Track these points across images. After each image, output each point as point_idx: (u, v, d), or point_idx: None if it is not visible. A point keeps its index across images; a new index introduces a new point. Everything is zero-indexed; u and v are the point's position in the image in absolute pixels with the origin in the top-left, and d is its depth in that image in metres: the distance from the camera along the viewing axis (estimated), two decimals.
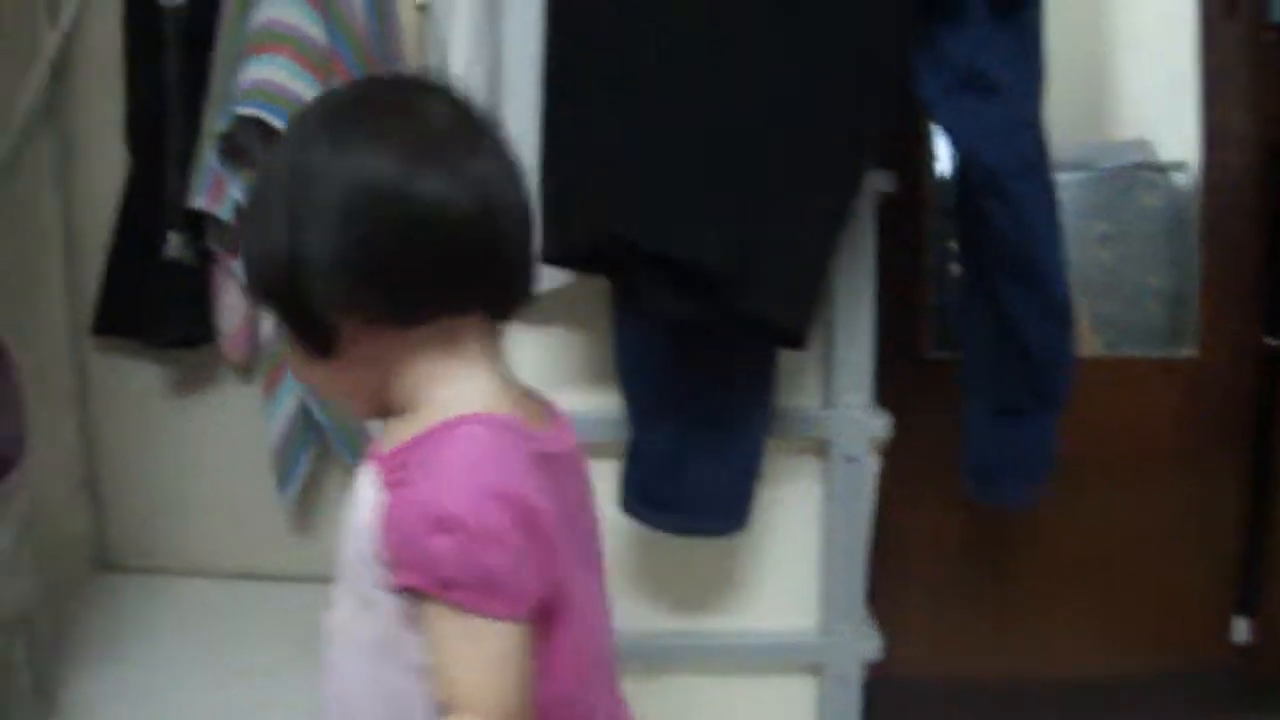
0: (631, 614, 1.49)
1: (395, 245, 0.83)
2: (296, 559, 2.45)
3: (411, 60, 2.26)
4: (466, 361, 0.90)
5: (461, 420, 0.85)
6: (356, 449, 2.17)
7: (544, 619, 0.86)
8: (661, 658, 1.54)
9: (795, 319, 1.30)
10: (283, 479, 2.33)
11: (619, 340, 1.37)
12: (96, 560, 2.67)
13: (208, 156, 2.15)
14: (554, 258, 1.27)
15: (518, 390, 0.95)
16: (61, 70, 2.44)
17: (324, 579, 0.96)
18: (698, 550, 1.53)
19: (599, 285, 1.43)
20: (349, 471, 1.94)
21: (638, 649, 1.46)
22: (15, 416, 1.83)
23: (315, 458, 2.34)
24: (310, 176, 0.83)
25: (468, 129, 0.89)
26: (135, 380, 2.55)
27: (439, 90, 0.92)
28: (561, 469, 0.93)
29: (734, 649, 1.61)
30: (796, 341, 1.34)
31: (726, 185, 1.23)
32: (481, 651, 0.81)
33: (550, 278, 1.35)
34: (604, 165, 1.23)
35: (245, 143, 2.12)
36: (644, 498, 1.39)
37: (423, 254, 0.84)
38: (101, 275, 2.44)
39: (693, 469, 1.39)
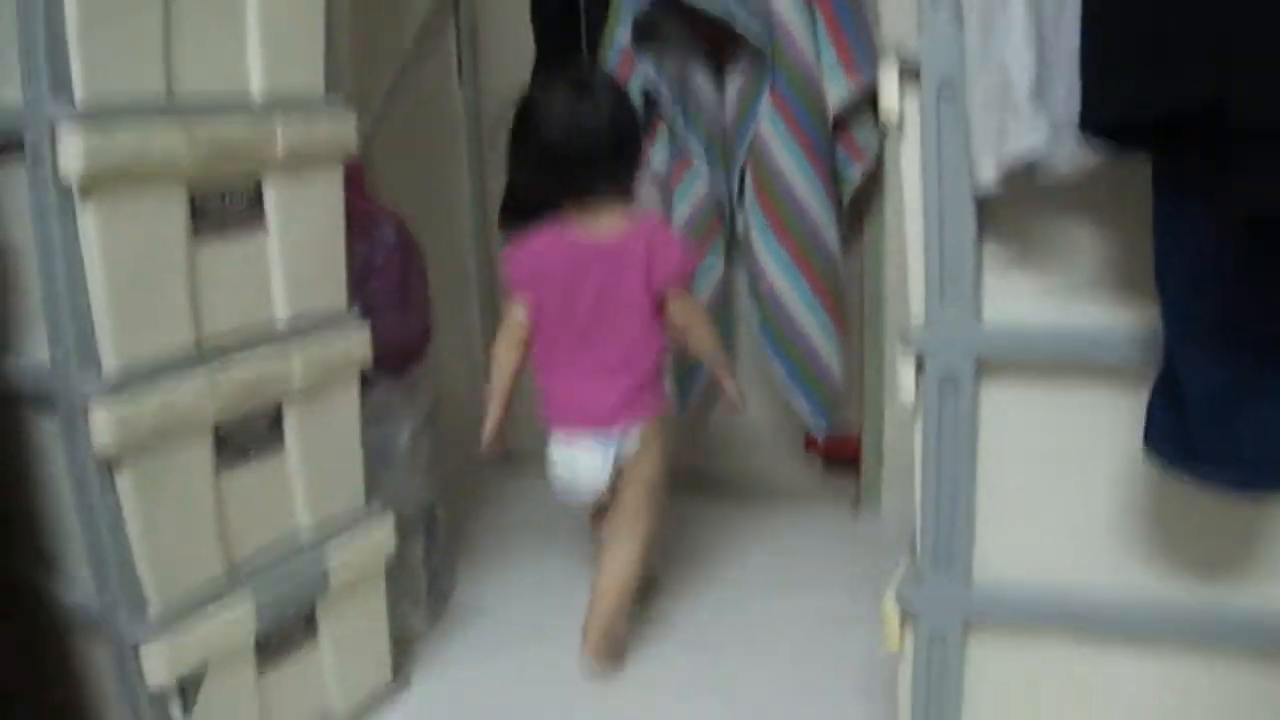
0: (1147, 576, 1.23)
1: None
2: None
3: None
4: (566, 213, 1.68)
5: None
6: None
7: (534, 308, 1.68)
8: (1182, 632, 1.23)
9: None
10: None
11: (1168, 242, 1.05)
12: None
13: (618, 36, 2.06)
14: (1098, 126, 0.99)
15: (592, 219, 1.66)
16: None
17: None
18: (1239, 509, 1.19)
19: (1122, 170, 1.11)
20: None
21: (1147, 618, 1.22)
22: (424, 309, 1.79)
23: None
24: None
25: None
26: None
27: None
28: (587, 254, 1.65)
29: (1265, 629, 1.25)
30: None
31: None
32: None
33: (1068, 162, 1.07)
34: (1190, 12, 0.91)
35: (656, 22, 2.02)
36: (1186, 446, 1.06)
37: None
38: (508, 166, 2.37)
39: (1257, 411, 1.05)
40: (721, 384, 1.79)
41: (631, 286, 1.64)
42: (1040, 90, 1.05)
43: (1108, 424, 1.20)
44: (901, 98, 1.17)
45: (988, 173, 1.10)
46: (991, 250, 1.19)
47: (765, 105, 2.02)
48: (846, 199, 2.11)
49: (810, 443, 2.35)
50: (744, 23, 1.91)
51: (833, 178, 2.06)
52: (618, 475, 1.70)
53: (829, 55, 1.98)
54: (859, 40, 1.98)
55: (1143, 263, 1.12)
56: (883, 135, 2.09)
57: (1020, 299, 1.20)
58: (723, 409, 1.91)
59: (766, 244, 2.06)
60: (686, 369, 2.18)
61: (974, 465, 1.23)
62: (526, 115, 1.66)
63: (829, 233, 2.07)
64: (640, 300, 1.65)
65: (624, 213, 1.68)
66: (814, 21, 1.99)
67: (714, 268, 2.17)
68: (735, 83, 2.08)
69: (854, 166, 2.09)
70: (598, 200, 1.65)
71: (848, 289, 2.19)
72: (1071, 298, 1.18)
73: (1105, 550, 1.24)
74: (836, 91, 1.99)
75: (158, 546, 1.25)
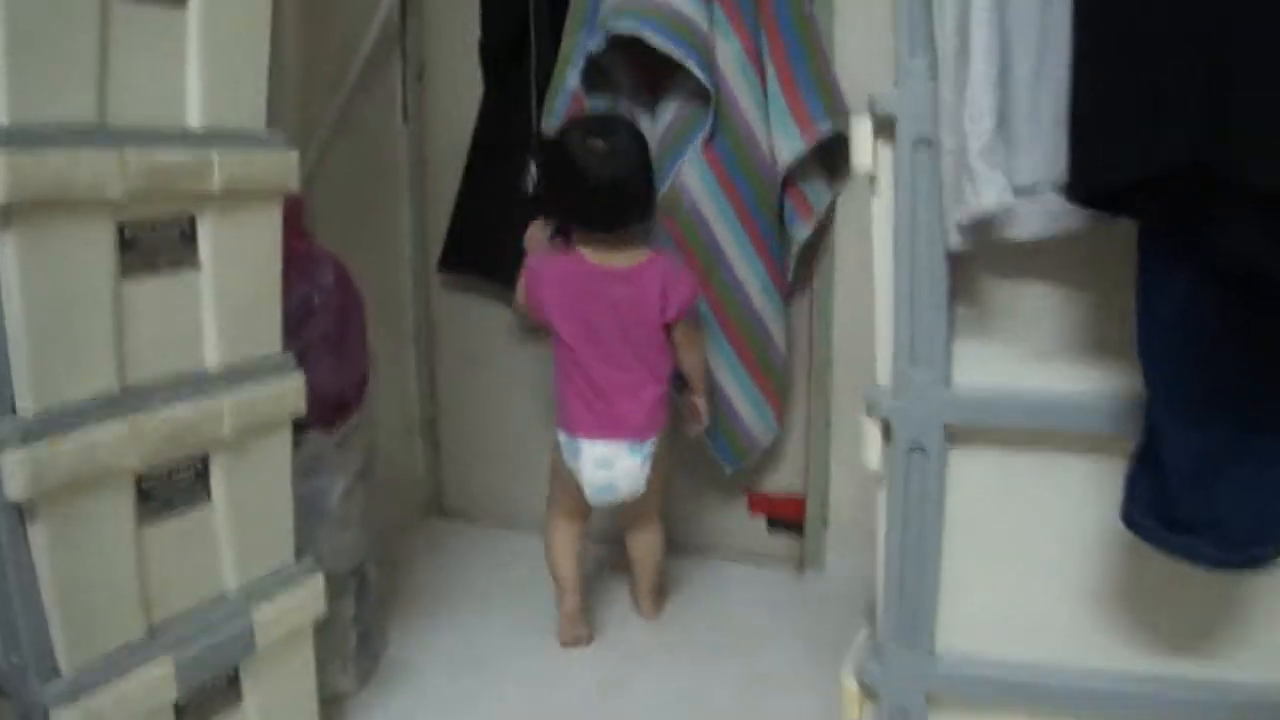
0: (1114, 650, 1.20)
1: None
2: None
3: None
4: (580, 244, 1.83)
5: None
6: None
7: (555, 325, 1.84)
8: (1150, 708, 1.18)
9: None
10: None
11: (1151, 306, 1.01)
12: (430, 505, 2.61)
13: (568, 77, 2.02)
14: (1082, 194, 0.96)
15: (606, 251, 1.82)
16: None
17: None
18: (1208, 582, 1.15)
19: (1097, 234, 1.07)
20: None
21: (1117, 696, 1.18)
22: (361, 356, 1.72)
23: None
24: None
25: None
26: (477, 321, 2.43)
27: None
28: (601, 278, 1.81)
29: (1240, 706, 1.20)
30: None
31: None
32: None
33: (1040, 223, 1.04)
34: (1180, 76, 0.88)
35: (607, 64, 1.98)
36: (1165, 515, 1.03)
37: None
38: (453, 207, 2.34)
39: (1236, 478, 1.02)
40: (695, 400, 1.97)
41: (649, 313, 1.81)
42: (998, 151, 1.02)
43: (1079, 493, 1.17)
44: (874, 152, 1.13)
45: (951, 233, 1.07)
46: (962, 313, 1.15)
47: (696, 156, 1.96)
48: (794, 257, 2.07)
49: (754, 502, 2.30)
50: (700, 69, 1.87)
51: (765, 239, 2.01)
52: None
53: (779, 107, 1.94)
54: (812, 91, 1.94)
55: (1118, 327, 1.10)
56: (835, 192, 2.06)
57: (991, 363, 1.16)
58: (688, 426, 2.02)
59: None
60: None
61: (939, 535, 1.19)
62: (566, 155, 1.78)
63: (757, 294, 2.03)
64: (656, 325, 1.83)
65: (642, 245, 1.85)
66: (761, 77, 1.95)
67: None
68: (664, 119, 2.01)
69: (803, 224, 2.05)
70: (627, 232, 1.82)
71: (795, 345, 2.15)
72: (1044, 362, 1.16)
73: (1074, 624, 1.21)
74: (790, 146, 1.95)
75: (73, 604, 1.16)
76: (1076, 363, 1.14)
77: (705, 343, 2.01)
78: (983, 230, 1.08)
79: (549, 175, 1.86)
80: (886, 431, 1.18)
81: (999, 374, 1.16)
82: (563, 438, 1.88)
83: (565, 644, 1.95)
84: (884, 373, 1.18)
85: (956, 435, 1.16)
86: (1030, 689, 1.20)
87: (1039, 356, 1.16)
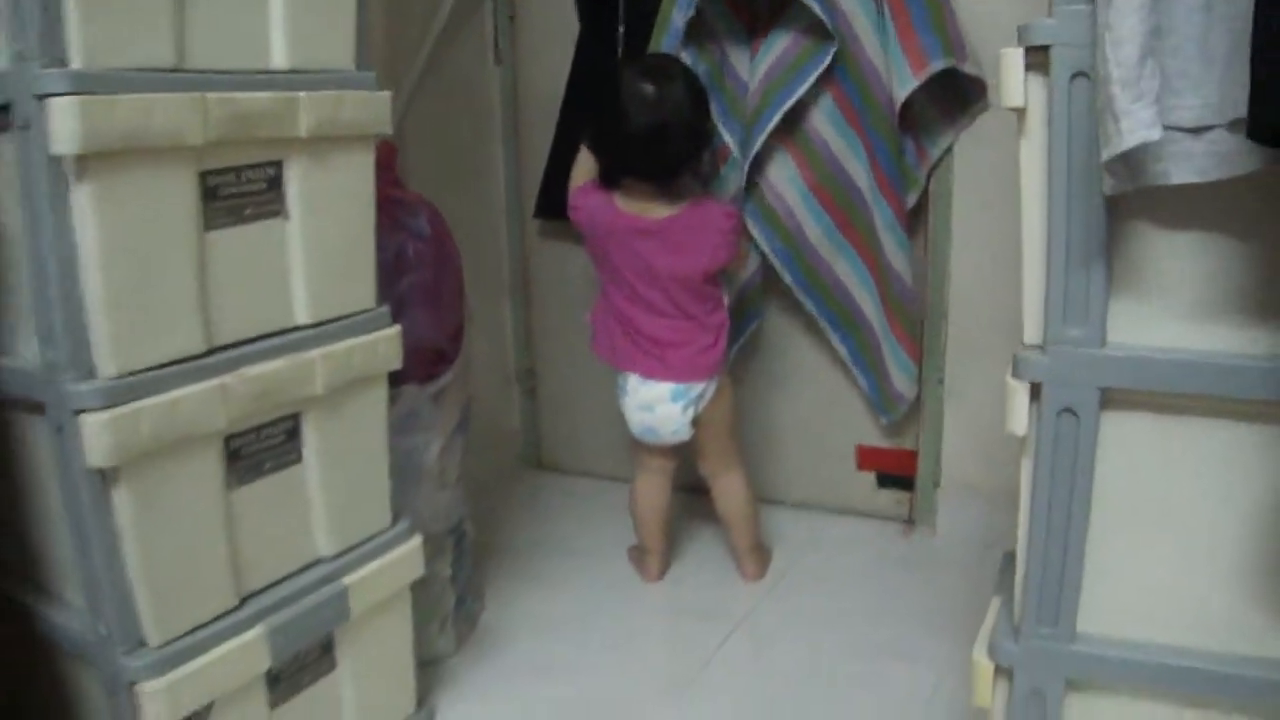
0: (1272, 636, 1.09)
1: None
2: None
3: None
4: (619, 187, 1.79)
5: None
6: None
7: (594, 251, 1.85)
8: None
9: None
10: None
11: None
12: (527, 457, 2.56)
13: (673, 18, 1.91)
14: (1265, 131, 0.85)
15: (641, 200, 1.77)
16: None
17: None
18: None
19: (1268, 183, 0.96)
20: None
21: (1269, 687, 1.07)
22: (457, 307, 1.65)
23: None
24: None
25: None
26: (574, 268, 2.35)
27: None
28: (627, 230, 1.77)
29: None
30: None
31: None
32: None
33: (1206, 165, 0.93)
34: None
35: (704, 5, 1.89)
36: None
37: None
38: (549, 152, 2.26)
39: None
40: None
41: (678, 268, 1.75)
42: (1146, 82, 0.90)
43: (1244, 465, 1.05)
44: (1025, 86, 1.02)
45: (1104, 176, 0.96)
46: (1119, 267, 1.04)
47: (825, 98, 1.91)
48: (912, 203, 1.96)
49: (864, 456, 2.20)
50: (821, 8, 1.76)
51: (890, 178, 1.92)
52: (696, 422, 1.85)
53: (893, 44, 1.84)
54: (926, 26, 1.81)
55: None
56: (953, 136, 1.94)
57: (1149, 322, 1.05)
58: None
59: (832, 240, 2.00)
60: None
61: (1089, 505, 1.08)
62: (614, 95, 1.72)
63: (885, 233, 1.95)
64: (697, 278, 1.76)
65: (687, 195, 1.78)
66: (880, 14, 1.85)
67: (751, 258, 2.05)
68: (772, 54, 1.90)
69: (920, 169, 1.95)
70: (668, 183, 1.75)
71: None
72: (1208, 322, 1.04)
73: (1230, 606, 1.10)
74: (902, 82, 1.84)
75: (159, 573, 1.11)
76: (1243, 323, 1.02)
77: (849, 276, 2.02)
78: (1140, 173, 0.96)
79: (597, 111, 1.79)
80: (1035, 393, 1.07)
81: (1158, 334, 1.05)
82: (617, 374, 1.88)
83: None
84: (1032, 330, 1.07)
85: (1111, 399, 1.05)
86: (1179, 675, 1.10)
87: (1202, 316, 1.04)
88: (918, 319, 2.03)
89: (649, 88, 1.69)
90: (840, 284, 2.03)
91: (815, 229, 1.99)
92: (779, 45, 1.89)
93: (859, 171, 1.94)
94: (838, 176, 1.94)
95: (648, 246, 1.75)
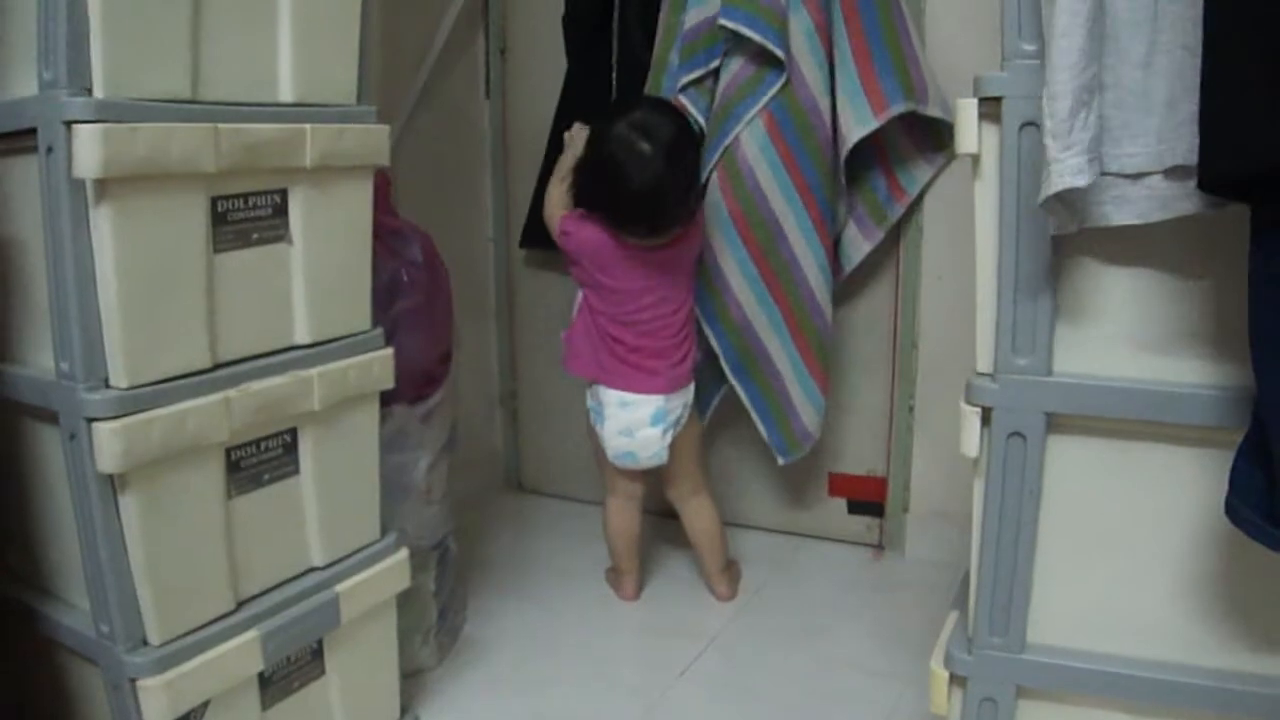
0: (1212, 647, 1.16)
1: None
2: None
3: None
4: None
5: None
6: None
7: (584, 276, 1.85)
8: (1249, 709, 1.15)
9: None
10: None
11: (1265, 297, 0.97)
12: (508, 480, 2.62)
13: (671, 58, 1.98)
14: (1222, 177, 0.92)
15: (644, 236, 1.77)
16: None
17: None
18: None
19: (1205, 223, 1.04)
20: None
21: (1212, 695, 1.14)
22: (446, 331, 1.72)
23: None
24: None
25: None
26: (557, 296, 2.42)
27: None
28: (642, 260, 1.78)
29: None
30: None
31: None
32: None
33: (1144, 208, 1.01)
34: None
35: None
36: (1269, 509, 1.00)
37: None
38: (535, 184, 2.32)
39: None
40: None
41: (680, 278, 1.83)
42: (1077, 133, 0.98)
43: (1181, 485, 1.13)
44: (979, 134, 1.10)
45: (1046, 216, 1.04)
46: (1065, 299, 1.12)
47: (758, 128, 1.89)
48: (883, 233, 2.04)
49: (835, 483, 2.27)
50: (777, 46, 1.82)
51: (824, 217, 1.94)
52: (671, 445, 1.89)
53: (851, 83, 1.87)
54: (888, 69, 1.87)
55: (1228, 313, 1.06)
56: (928, 176, 2.01)
57: (1093, 352, 1.12)
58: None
59: (745, 273, 1.96)
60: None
61: (1036, 523, 1.16)
62: (609, 150, 1.71)
63: (813, 273, 1.95)
64: (687, 287, 1.86)
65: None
66: (829, 54, 1.89)
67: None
68: (726, 76, 1.92)
69: (896, 205, 2.02)
70: (670, 233, 1.78)
71: (879, 327, 2.12)
72: (1149, 352, 1.11)
73: (1171, 619, 1.17)
74: (860, 123, 1.87)
75: (162, 575, 1.17)
76: (1180, 354, 1.10)
77: (757, 315, 1.98)
78: (1085, 215, 1.04)
79: (589, 162, 1.77)
80: (986, 418, 1.15)
81: (1101, 363, 1.12)
82: (591, 399, 1.91)
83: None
84: (984, 359, 1.15)
85: (1056, 423, 1.13)
86: (1123, 684, 1.17)
87: (1143, 346, 1.12)
88: (831, 351, 2.04)
89: (646, 146, 1.67)
90: (749, 325, 1.98)
91: (731, 260, 1.96)
92: (733, 67, 1.90)
93: (783, 208, 1.91)
94: (760, 208, 1.92)
95: (664, 273, 1.80)
